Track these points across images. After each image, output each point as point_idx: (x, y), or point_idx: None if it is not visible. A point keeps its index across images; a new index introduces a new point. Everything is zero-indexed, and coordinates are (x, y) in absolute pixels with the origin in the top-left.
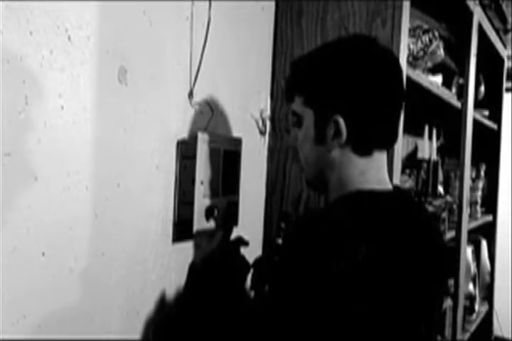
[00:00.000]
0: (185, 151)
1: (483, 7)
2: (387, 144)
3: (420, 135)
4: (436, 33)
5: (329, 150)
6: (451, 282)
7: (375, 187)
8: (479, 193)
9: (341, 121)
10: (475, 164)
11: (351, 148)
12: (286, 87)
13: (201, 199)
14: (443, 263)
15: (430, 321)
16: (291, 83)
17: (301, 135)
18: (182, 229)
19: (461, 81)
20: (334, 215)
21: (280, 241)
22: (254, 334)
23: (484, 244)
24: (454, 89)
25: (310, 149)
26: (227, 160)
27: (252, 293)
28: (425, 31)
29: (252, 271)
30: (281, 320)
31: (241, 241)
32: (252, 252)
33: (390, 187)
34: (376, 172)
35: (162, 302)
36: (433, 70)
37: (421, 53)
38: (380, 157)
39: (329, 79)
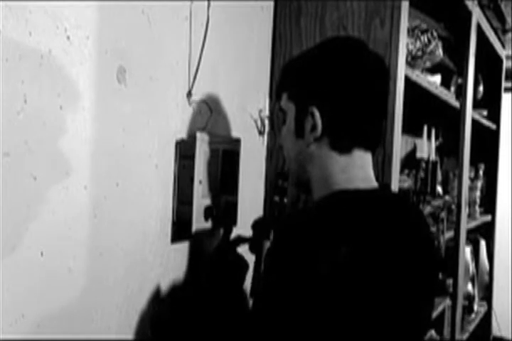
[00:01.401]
0: (184, 151)
1: (482, 7)
2: (368, 144)
3: (419, 135)
4: (435, 33)
5: (308, 144)
6: (449, 282)
7: (359, 185)
8: (478, 193)
9: (317, 113)
10: (474, 164)
11: (329, 143)
12: (276, 86)
13: (200, 199)
14: (431, 260)
15: (419, 320)
16: (279, 81)
17: (284, 130)
18: (181, 229)
19: (459, 81)
20: (318, 217)
21: (277, 198)
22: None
23: (483, 243)
24: (452, 89)
25: (291, 143)
26: (226, 159)
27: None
28: (424, 31)
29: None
30: (271, 325)
31: (241, 240)
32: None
33: (375, 184)
34: (359, 170)
35: (161, 302)
36: (432, 70)
37: (419, 53)
38: (363, 156)
39: (309, 72)
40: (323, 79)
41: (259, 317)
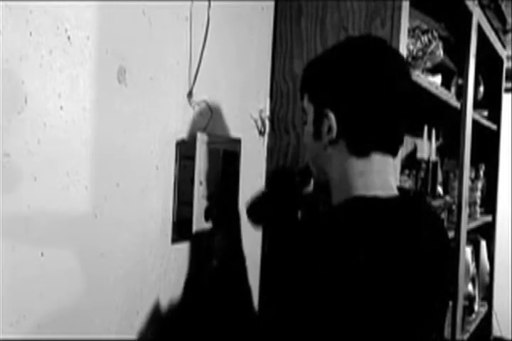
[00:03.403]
0: (185, 151)
1: (483, 7)
2: (387, 147)
3: (419, 135)
4: (436, 34)
5: (325, 146)
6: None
7: (378, 193)
8: (478, 193)
9: (332, 116)
10: (474, 164)
11: (346, 146)
12: (299, 86)
13: (200, 199)
14: (448, 269)
15: (434, 326)
16: (301, 81)
17: (305, 131)
18: (181, 230)
19: (460, 81)
20: (336, 224)
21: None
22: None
23: (483, 244)
24: (453, 90)
25: (310, 144)
26: (227, 160)
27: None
28: (424, 31)
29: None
30: (280, 328)
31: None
32: (251, 253)
33: (394, 192)
34: (377, 176)
35: (161, 303)
36: (432, 71)
37: (420, 53)
38: (382, 160)
39: (327, 74)
40: (339, 81)
41: (280, 322)
